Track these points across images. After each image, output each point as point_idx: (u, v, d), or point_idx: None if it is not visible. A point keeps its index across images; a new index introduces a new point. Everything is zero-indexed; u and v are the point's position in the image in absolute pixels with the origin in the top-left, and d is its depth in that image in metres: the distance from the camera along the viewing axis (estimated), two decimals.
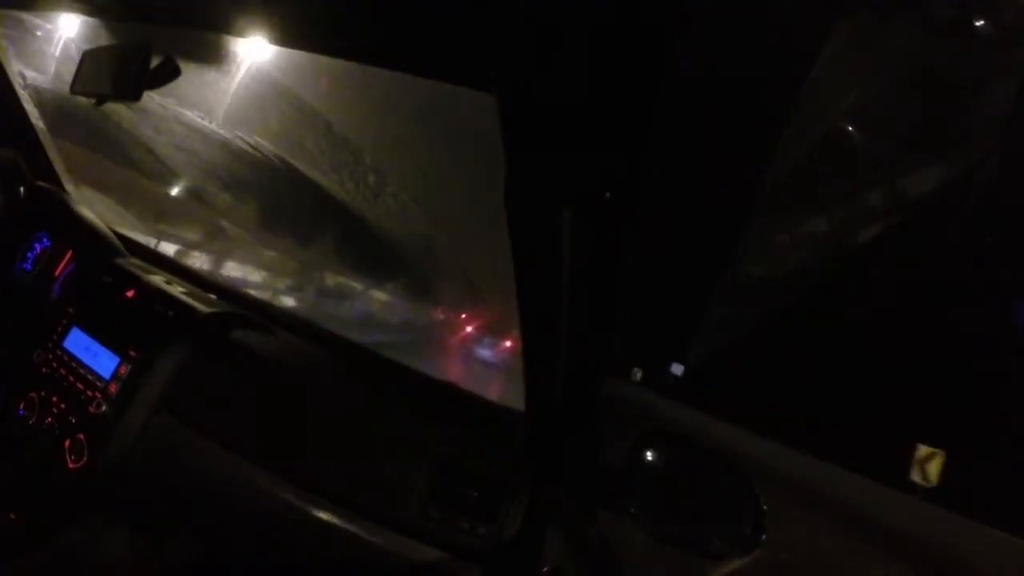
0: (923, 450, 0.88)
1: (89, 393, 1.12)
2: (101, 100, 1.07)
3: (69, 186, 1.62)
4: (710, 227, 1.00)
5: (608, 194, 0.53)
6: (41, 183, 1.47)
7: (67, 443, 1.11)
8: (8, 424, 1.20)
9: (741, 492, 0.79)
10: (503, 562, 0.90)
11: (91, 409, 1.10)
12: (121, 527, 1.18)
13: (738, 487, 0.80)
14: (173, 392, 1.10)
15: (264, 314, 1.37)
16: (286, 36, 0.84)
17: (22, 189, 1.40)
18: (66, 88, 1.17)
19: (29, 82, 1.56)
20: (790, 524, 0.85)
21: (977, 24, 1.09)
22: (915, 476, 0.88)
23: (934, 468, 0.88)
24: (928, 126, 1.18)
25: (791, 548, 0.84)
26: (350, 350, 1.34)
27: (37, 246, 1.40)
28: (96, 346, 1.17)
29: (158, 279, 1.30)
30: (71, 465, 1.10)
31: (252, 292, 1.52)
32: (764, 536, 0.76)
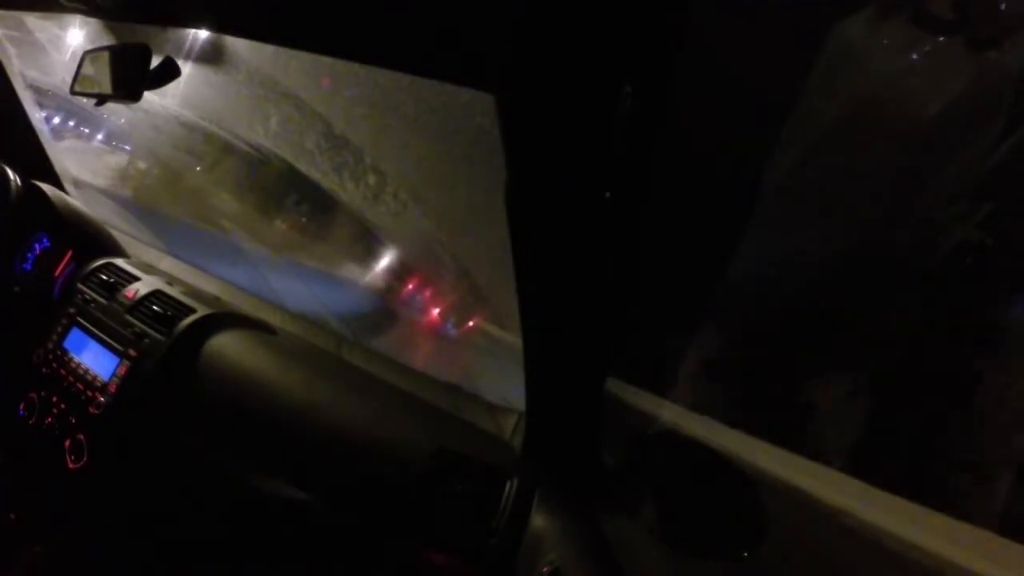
0: None
1: (89, 393, 1.12)
2: (101, 100, 1.07)
3: (69, 186, 1.62)
4: (711, 227, 1.00)
5: (608, 194, 0.53)
6: (40, 183, 1.47)
7: (67, 443, 1.11)
8: (8, 424, 1.20)
9: (741, 493, 0.79)
10: (503, 562, 0.90)
11: (91, 409, 1.10)
12: (120, 527, 1.18)
13: (738, 488, 0.80)
14: (173, 392, 1.10)
15: (264, 313, 1.37)
16: (286, 37, 0.84)
17: (13, 190, 1.40)
18: (66, 88, 1.17)
19: (30, 82, 1.56)
20: (789, 526, 0.84)
21: (977, 23, 1.09)
22: None
23: None
24: (930, 124, 1.18)
25: (790, 550, 0.84)
26: (351, 349, 1.34)
27: (37, 246, 1.40)
28: (96, 346, 1.17)
29: (158, 279, 1.30)
30: (71, 465, 1.10)
31: (252, 291, 1.52)
32: (763, 538, 0.76)
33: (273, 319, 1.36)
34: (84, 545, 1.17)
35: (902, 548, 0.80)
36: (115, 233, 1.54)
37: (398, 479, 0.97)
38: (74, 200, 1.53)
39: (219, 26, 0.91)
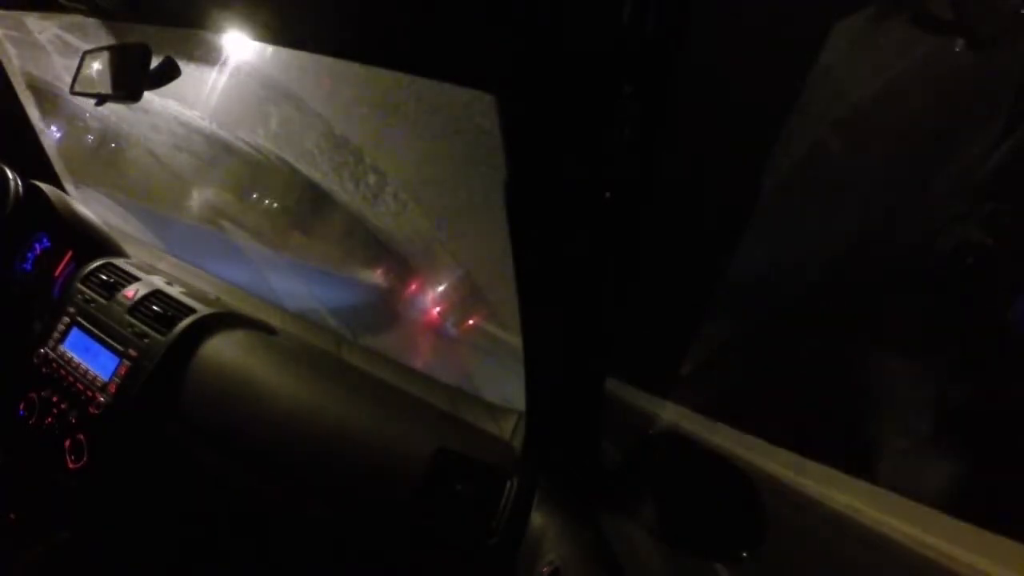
0: None
1: (89, 393, 1.12)
2: (101, 100, 1.07)
3: (69, 186, 1.62)
4: (712, 227, 0.99)
5: (608, 194, 0.53)
6: (40, 183, 1.47)
7: (67, 443, 1.11)
8: (8, 424, 1.21)
9: (741, 493, 0.79)
10: (503, 562, 0.90)
11: (91, 409, 1.10)
12: (120, 527, 1.18)
13: (738, 488, 0.80)
14: (173, 392, 1.10)
15: (264, 313, 1.37)
16: (287, 37, 0.84)
17: (13, 190, 1.40)
18: (66, 88, 1.17)
19: (29, 82, 1.56)
20: (789, 526, 0.84)
21: (977, 23, 1.09)
22: None
23: None
24: (930, 124, 1.18)
25: (790, 550, 0.84)
26: (351, 349, 1.34)
27: (37, 246, 1.40)
28: (96, 346, 1.17)
29: (158, 279, 1.30)
30: (71, 465, 1.10)
31: (252, 291, 1.52)
32: (763, 538, 0.77)
33: (273, 319, 1.36)
34: (84, 545, 1.17)
35: (902, 548, 0.80)
36: (115, 233, 1.54)
37: (398, 479, 0.98)
38: (74, 200, 1.53)
39: (219, 27, 0.91)
